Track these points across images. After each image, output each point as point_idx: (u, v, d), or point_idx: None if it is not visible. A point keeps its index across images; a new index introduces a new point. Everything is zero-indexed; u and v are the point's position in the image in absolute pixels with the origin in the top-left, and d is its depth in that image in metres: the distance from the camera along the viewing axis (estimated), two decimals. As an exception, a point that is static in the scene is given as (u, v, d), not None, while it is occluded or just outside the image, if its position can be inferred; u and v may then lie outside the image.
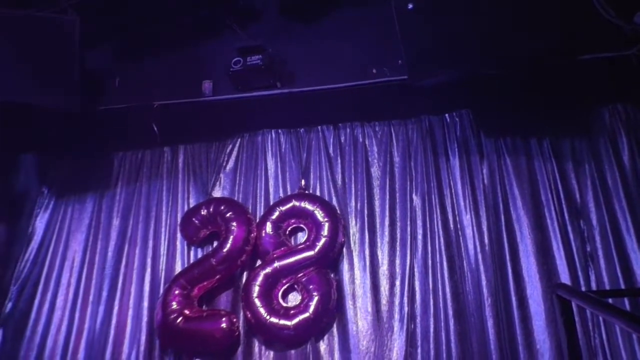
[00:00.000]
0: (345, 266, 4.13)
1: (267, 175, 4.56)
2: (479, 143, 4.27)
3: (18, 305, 4.45)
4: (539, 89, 4.02)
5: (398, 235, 4.15)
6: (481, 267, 3.88)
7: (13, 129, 4.64)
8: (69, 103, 4.01)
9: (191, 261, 4.34)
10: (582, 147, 4.11)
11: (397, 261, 4.06)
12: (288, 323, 3.82)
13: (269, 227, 4.20)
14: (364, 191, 4.31)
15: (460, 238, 4.02)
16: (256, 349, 4.00)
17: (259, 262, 4.21)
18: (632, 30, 3.46)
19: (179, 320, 3.95)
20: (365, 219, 4.22)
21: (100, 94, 4.44)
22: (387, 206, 4.24)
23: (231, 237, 4.12)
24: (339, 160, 4.48)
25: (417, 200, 4.22)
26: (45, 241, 4.69)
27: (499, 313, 3.74)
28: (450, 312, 3.80)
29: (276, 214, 4.23)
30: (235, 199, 4.50)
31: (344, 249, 4.16)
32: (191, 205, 4.55)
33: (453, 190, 4.18)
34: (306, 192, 4.39)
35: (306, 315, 3.83)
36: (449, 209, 4.14)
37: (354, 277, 4.08)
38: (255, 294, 3.93)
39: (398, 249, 4.10)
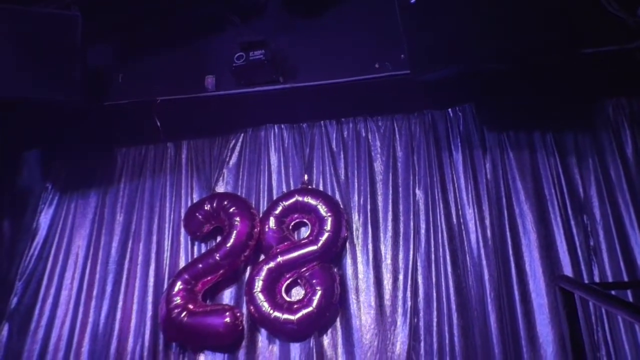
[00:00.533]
0: (348, 261, 4.13)
1: (270, 170, 4.56)
2: (481, 137, 4.26)
3: (23, 300, 4.47)
4: (541, 83, 4.00)
5: (401, 230, 4.15)
6: (484, 262, 3.88)
7: (17, 125, 4.66)
8: (72, 99, 4.00)
9: (195, 256, 4.36)
10: (586, 141, 4.09)
11: (400, 255, 4.07)
12: (291, 317, 3.83)
13: (272, 222, 4.21)
14: (366, 186, 4.32)
15: (463, 232, 4.02)
16: (260, 344, 4.02)
17: (262, 257, 4.22)
18: (636, 23, 3.45)
19: (182, 315, 3.96)
20: (368, 213, 4.23)
21: (103, 90, 4.44)
22: (390, 201, 4.24)
23: (234, 232, 4.14)
24: (342, 155, 4.49)
25: (420, 194, 4.22)
26: (50, 237, 4.71)
27: (501, 307, 3.74)
28: (453, 306, 3.81)
29: (279, 208, 4.24)
30: (239, 194, 4.51)
31: (347, 244, 4.17)
32: (194, 201, 4.56)
33: (456, 185, 4.18)
34: (309, 187, 4.40)
35: (309, 309, 3.84)
36: (452, 204, 4.14)
37: (357, 272, 4.09)
38: (258, 289, 3.95)
39: (401, 243, 4.11)
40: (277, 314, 3.86)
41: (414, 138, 4.42)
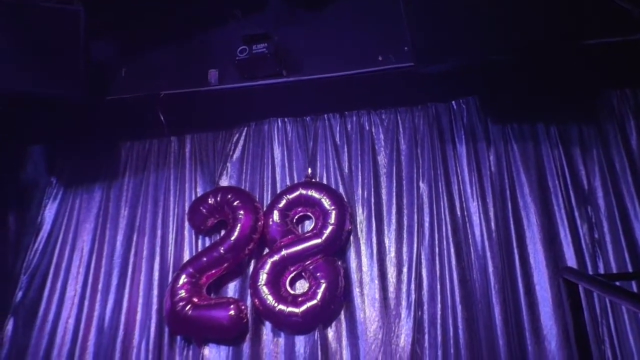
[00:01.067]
0: (352, 254, 4.14)
1: (274, 163, 4.56)
2: (485, 130, 4.25)
3: (28, 294, 4.49)
4: (546, 74, 3.99)
5: (405, 223, 4.15)
6: (488, 254, 3.88)
7: (21, 120, 4.67)
8: (76, 94, 4.02)
9: (199, 250, 4.37)
10: (590, 132, 4.08)
11: (404, 248, 4.07)
12: (296, 310, 3.84)
13: (276, 216, 4.21)
14: (370, 179, 4.31)
15: (467, 225, 4.02)
16: (264, 336, 4.03)
17: (266, 250, 4.23)
18: (640, 14, 3.43)
19: (187, 308, 3.98)
20: (372, 206, 4.23)
21: (107, 84, 4.46)
22: (394, 194, 4.24)
23: (239, 225, 4.14)
24: (346, 149, 4.48)
25: (423, 187, 4.21)
26: (55, 231, 4.72)
27: (506, 300, 3.74)
28: (458, 299, 3.81)
29: (283, 202, 4.24)
30: (242, 187, 4.52)
31: (351, 237, 4.17)
32: (199, 195, 4.57)
33: (460, 178, 4.18)
34: (313, 180, 4.40)
35: (314, 302, 3.85)
36: (456, 196, 4.14)
37: (361, 265, 4.09)
38: (263, 282, 3.96)
39: (405, 236, 4.11)
40: (281, 306, 3.87)
41: (417, 131, 4.41)
